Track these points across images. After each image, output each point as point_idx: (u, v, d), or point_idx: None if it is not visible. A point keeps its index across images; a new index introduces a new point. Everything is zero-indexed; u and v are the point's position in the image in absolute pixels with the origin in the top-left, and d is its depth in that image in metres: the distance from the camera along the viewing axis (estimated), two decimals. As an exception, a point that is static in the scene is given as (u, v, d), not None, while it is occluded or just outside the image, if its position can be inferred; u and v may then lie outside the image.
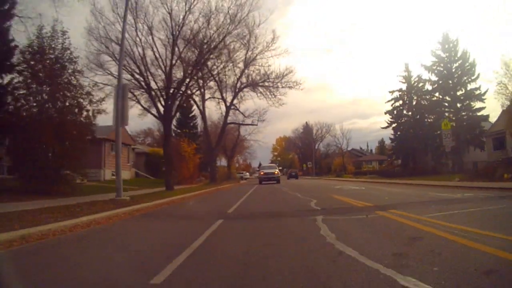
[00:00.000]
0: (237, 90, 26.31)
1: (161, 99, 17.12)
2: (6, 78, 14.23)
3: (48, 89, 13.78)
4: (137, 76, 17.19)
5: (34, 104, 13.79)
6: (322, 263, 3.18)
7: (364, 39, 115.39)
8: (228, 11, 18.81)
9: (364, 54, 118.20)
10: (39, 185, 12.18)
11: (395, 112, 42.52)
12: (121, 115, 9.73)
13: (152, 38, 17.09)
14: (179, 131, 39.36)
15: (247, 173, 67.21)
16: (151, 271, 3.08)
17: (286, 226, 5.68)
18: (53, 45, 13.43)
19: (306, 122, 75.81)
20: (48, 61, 13.58)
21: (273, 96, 26.02)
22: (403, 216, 5.89)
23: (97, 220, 6.75)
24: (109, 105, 14.59)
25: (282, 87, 25.33)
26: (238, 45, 23.07)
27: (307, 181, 34.72)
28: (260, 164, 75.90)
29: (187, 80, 17.85)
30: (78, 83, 13.87)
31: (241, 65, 25.87)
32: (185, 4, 17.14)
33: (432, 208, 6.89)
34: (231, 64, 24.62)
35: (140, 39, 16.83)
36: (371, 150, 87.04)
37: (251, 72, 26.15)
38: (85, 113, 13.89)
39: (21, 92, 13.72)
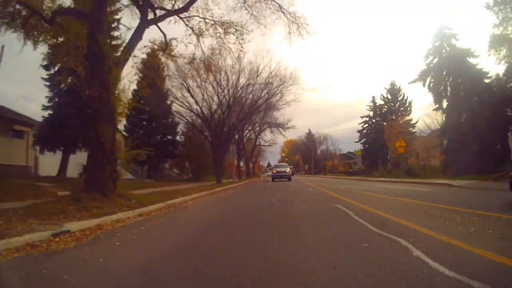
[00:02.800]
0: (261, 128, 48.79)
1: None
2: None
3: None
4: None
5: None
6: (289, 186, 25.31)
7: (371, 38, 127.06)
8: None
9: (368, 53, 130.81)
10: (192, 178, 34.69)
11: (364, 131, 64.04)
12: (234, 155, 31.97)
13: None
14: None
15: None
16: (267, 184, 25.72)
17: (284, 185, 27.80)
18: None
19: (309, 129, 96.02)
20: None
21: (280, 131, 48.33)
22: (308, 182, 27.88)
23: (242, 184, 28.88)
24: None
25: (285, 128, 47.52)
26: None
27: (301, 176, 57.18)
28: (268, 164, 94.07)
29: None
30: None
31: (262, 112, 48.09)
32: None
33: (316, 182, 28.91)
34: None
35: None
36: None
37: (269, 116, 48.31)
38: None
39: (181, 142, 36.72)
